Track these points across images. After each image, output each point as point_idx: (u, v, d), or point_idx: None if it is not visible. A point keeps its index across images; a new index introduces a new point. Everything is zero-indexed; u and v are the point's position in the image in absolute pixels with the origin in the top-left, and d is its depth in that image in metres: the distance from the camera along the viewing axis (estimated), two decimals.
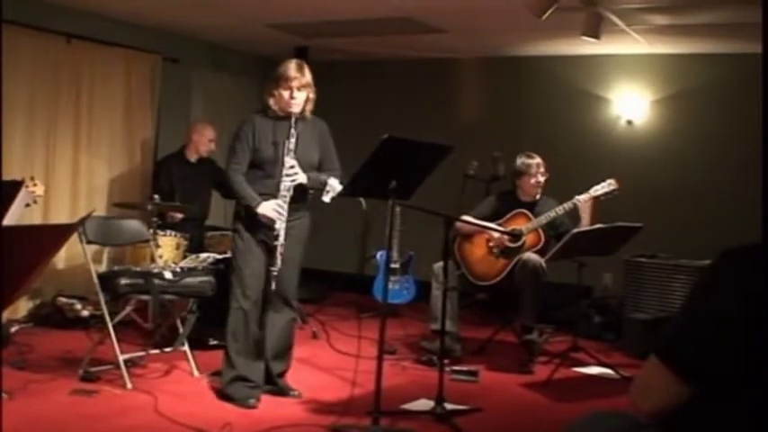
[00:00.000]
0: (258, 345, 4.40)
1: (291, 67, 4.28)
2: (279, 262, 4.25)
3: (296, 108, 4.27)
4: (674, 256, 6.45)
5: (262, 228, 4.28)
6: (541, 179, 5.66)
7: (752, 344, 1.58)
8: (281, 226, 4.23)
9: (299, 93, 4.26)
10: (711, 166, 7.17)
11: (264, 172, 4.28)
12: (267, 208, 4.23)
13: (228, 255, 5.00)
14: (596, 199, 5.41)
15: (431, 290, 5.65)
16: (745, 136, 7.03)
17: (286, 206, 4.25)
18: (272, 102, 4.30)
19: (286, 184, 4.25)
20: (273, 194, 4.25)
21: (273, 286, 4.28)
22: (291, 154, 4.25)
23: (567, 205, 5.42)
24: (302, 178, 4.30)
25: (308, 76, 4.32)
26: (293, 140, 4.25)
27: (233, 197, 4.47)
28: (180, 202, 6.23)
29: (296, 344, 4.68)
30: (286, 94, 4.25)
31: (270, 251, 4.27)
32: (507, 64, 8.07)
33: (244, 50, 8.18)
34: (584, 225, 5.29)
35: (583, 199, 5.38)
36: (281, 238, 4.24)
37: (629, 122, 7.58)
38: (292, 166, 4.25)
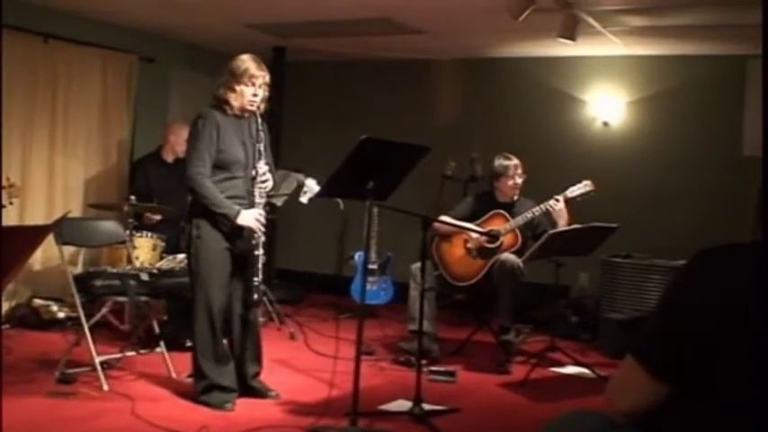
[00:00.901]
0: (227, 350, 4.36)
1: (255, 64, 4.17)
2: (260, 273, 4.21)
3: (254, 106, 4.20)
4: (650, 256, 6.50)
5: (227, 234, 4.18)
6: (519, 180, 5.68)
7: (726, 343, 1.59)
8: (260, 236, 4.18)
9: (260, 90, 4.19)
10: (687, 167, 7.23)
11: (229, 173, 4.16)
12: (249, 218, 4.12)
13: None
14: (572, 200, 5.44)
15: (409, 290, 5.64)
16: (721, 137, 7.11)
17: (264, 214, 4.22)
18: (232, 98, 4.16)
19: (261, 192, 4.20)
20: (239, 197, 4.19)
21: (256, 297, 4.24)
22: (264, 159, 4.21)
23: (545, 206, 5.44)
24: (271, 184, 4.28)
25: (268, 74, 4.27)
26: (263, 143, 4.22)
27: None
28: (156, 202, 6.20)
29: (274, 345, 4.67)
30: (249, 91, 4.16)
31: (236, 258, 4.24)
32: (484, 65, 8.10)
33: (221, 50, 8.11)
34: (561, 225, 5.32)
35: (560, 200, 5.41)
36: (261, 248, 4.20)
37: (605, 124, 7.62)
38: (264, 173, 4.20)
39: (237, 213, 4.10)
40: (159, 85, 7.71)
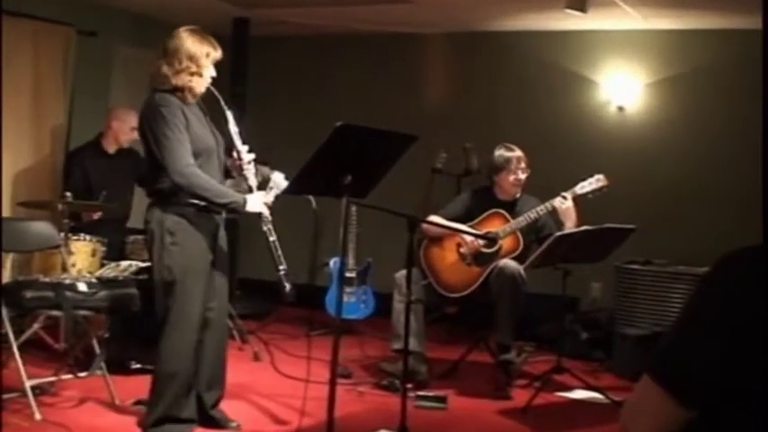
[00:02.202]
0: (191, 377, 4.35)
1: (210, 43, 4.19)
2: (283, 261, 4.25)
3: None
4: (672, 262, 6.53)
5: (207, 237, 4.22)
6: (522, 176, 5.70)
7: (758, 361, 1.60)
8: (270, 220, 4.26)
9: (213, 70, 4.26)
10: (715, 160, 7.27)
11: (200, 162, 4.18)
12: (257, 203, 4.21)
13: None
14: (583, 197, 5.47)
15: (392, 303, 5.66)
16: (753, 125, 7.13)
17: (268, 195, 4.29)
18: (199, 84, 4.19)
19: (251, 176, 4.28)
20: None
21: (288, 287, 4.26)
22: (239, 139, 4.28)
23: (550, 204, 5.46)
24: (252, 167, 4.34)
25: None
26: (233, 124, 4.27)
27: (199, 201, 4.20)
28: (97, 200, 6.18)
29: (235, 367, 4.67)
30: (210, 72, 4.21)
31: (213, 260, 4.26)
32: (481, 40, 8.12)
33: (172, 22, 8.04)
34: (569, 227, 5.34)
35: (567, 198, 5.43)
36: (274, 234, 4.25)
37: (621, 109, 7.66)
38: (246, 151, 4.30)
39: (245, 201, 4.17)
40: (101, 63, 7.68)
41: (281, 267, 4.23)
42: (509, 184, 5.72)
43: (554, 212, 5.49)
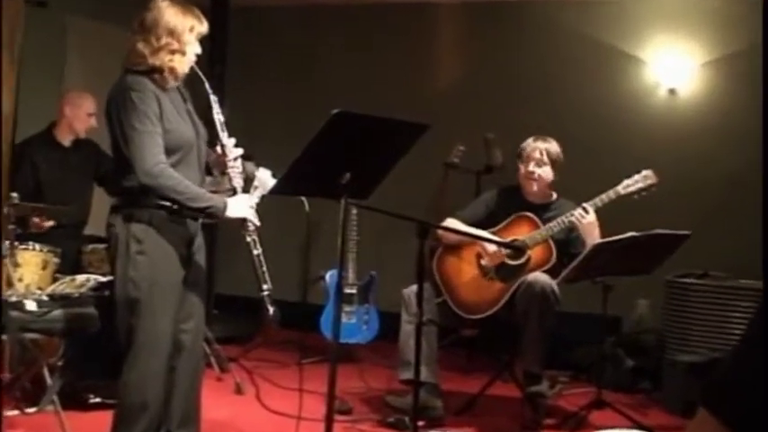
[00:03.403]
0: (161, 412, 4.35)
1: (194, 14, 4.17)
2: (268, 280, 4.21)
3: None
4: (733, 275, 6.52)
5: (183, 242, 4.20)
6: (535, 170, 5.66)
7: None
8: (255, 230, 4.21)
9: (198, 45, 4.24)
10: None
11: (177, 159, 4.14)
12: (240, 208, 4.15)
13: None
14: (627, 197, 5.45)
15: (400, 324, 5.66)
16: None
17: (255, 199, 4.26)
18: (182, 64, 4.16)
19: (237, 175, 4.24)
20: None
21: (272, 312, 4.23)
22: (225, 130, 4.25)
23: (567, 218, 5.38)
24: (239, 164, 4.32)
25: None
26: (220, 113, 4.26)
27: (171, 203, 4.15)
28: (48, 201, 6.18)
29: (213, 401, 4.68)
30: (195, 49, 4.18)
31: (187, 273, 4.25)
32: (503, 11, 8.14)
33: None
34: (590, 245, 5.26)
35: (589, 210, 5.40)
36: (258, 246, 4.22)
37: (672, 92, 7.66)
38: (233, 146, 4.26)
39: (225, 206, 4.12)
40: (53, 38, 7.69)
41: (264, 287, 4.18)
42: (522, 178, 5.73)
43: (573, 228, 5.47)
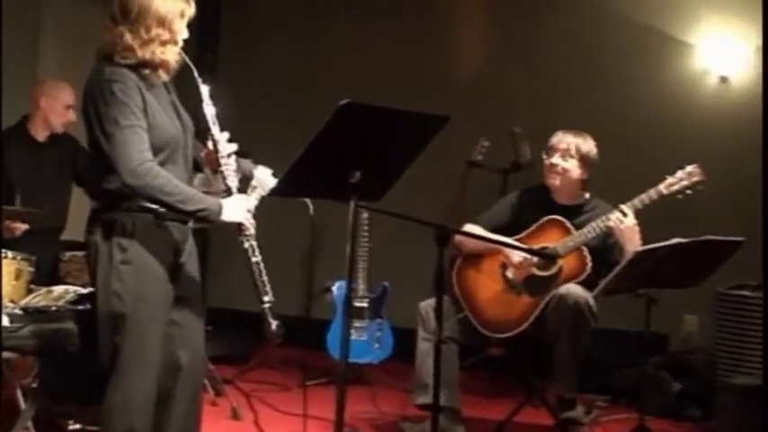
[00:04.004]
0: None
1: None
2: (269, 291, 4.19)
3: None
4: None
5: (173, 250, 4.19)
6: (559, 162, 5.65)
7: None
8: (253, 234, 4.19)
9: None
10: None
11: (162, 158, 4.10)
12: (236, 210, 4.12)
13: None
14: (671, 196, 5.43)
15: (416, 342, 5.67)
16: None
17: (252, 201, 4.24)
18: (165, 53, 4.10)
19: (231, 173, 4.21)
20: None
21: (275, 327, 4.21)
22: (217, 124, 4.23)
23: (602, 223, 5.37)
24: (233, 161, 4.31)
25: None
26: (211, 105, 4.24)
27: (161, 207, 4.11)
28: (21, 203, 6.20)
29: (208, 427, 4.67)
30: (183, 36, 4.14)
31: (178, 283, 4.24)
32: None
33: None
34: (630, 253, 5.24)
35: (627, 213, 5.38)
36: (257, 252, 4.21)
37: (723, 80, 7.65)
38: (226, 141, 4.23)
39: (220, 208, 4.08)
40: (26, 21, 7.70)
41: (265, 299, 4.16)
42: (544, 171, 5.73)
43: (609, 234, 5.46)
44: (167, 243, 4.15)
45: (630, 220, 5.36)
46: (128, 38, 4.02)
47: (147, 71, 4.07)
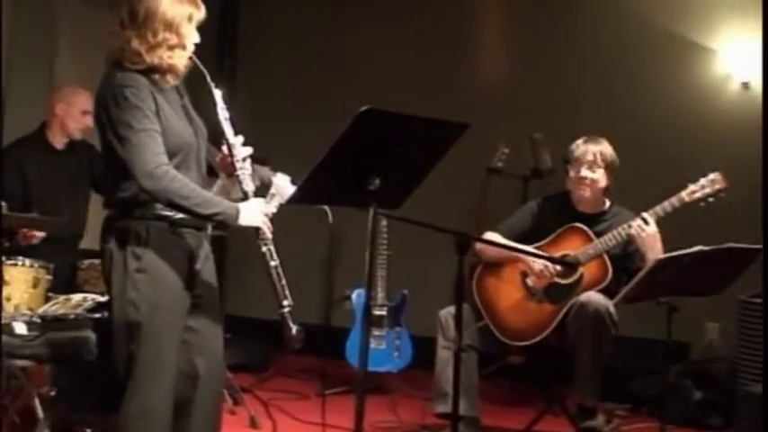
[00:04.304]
0: None
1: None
2: (288, 295, 4.17)
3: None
4: None
5: (189, 257, 4.17)
6: (587, 174, 5.64)
7: None
8: (270, 238, 4.16)
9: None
10: None
11: (175, 162, 4.09)
12: (253, 214, 4.10)
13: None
14: (693, 204, 5.41)
15: (435, 350, 5.65)
16: None
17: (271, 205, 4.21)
18: (173, 57, 4.08)
19: (246, 177, 4.19)
20: None
21: (295, 331, 4.18)
22: (231, 127, 4.20)
23: (624, 231, 5.35)
24: (248, 165, 4.28)
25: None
26: (225, 109, 4.22)
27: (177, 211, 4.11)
28: (38, 211, 6.20)
29: None
30: (193, 39, 4.12)
31: (194, 291, 4.22)
32: None
33: None
34: (651, 260, 5.22)
35: (649, 221, 5.36)
36: (275, 256, 4.18)
37: (745, 86, 7.62)
38: (245, 145, 4.22)
39: (238, 212, 4.07)
40: (43, 27, 7.71)
41: (284, 303, 4.14)
42: (572, 183, 5.71)
43: (630, 241, 5.43)
44: (182, 250, 4.14)
45: (652, 228, 5.35)
46: (135, 43, 4.01)
47: (156, 76, 4.05)
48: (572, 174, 5.68)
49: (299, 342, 4.15)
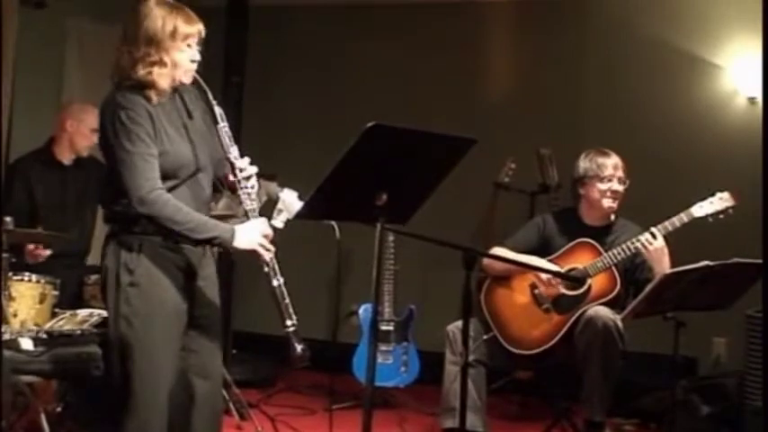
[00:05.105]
0: None
1: (180, 15, 4.06)
2: (293, 314, 4.14)
3: (191, 75, 4.15)
4: None
5: (184, 270, 4.15)
6: (619, 188, 5.66)
7: None
8: (272, 258, 4.12)
9: (197, 50, 4.12)
10: None
11: (173, 184, 4.10)
12: (251, 236, 4.05)
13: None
14: (701, 220, 5.41)
15: (443, 365, 5.65)
16: None
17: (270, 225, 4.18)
18: (161, 77, 4.05)
19: (249, 194, 4.16)
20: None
21: (299, 350, 4.16)
22: (236, 148, 4.19)
23: (632, 245, 5.37)
24: (255, 182, 4.26)
25: (201, 24, 4.23)
26: (224, 123, 4.19)
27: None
28: (46, 227, 6.21)
29: None
30: (185, 56, 4.08)
31: (192, 308, 4.21)
32: (560, 9, 8.12)
33: None
34: (658, 275, 5.21)
35: (657, 235, 5.36)
36: (279, 276, 4.13)
37: (752, 101, 7.62)
38: (245, 165, 4.19)
39: (233, 234, 4.04)
40: (51, 43, 7.73)
41: (288, 323, 4.12)
42: (601, 197, 5.67)
43: (638, 254, 5.44)
44: (177, 265, 4.12)
45: (660, 243, 5.36)
46: (125, 58, 4.02)
47: (150, 92, 4.03)
48: (601, 187, 5.65)
49: (304, 361, 4.12)
